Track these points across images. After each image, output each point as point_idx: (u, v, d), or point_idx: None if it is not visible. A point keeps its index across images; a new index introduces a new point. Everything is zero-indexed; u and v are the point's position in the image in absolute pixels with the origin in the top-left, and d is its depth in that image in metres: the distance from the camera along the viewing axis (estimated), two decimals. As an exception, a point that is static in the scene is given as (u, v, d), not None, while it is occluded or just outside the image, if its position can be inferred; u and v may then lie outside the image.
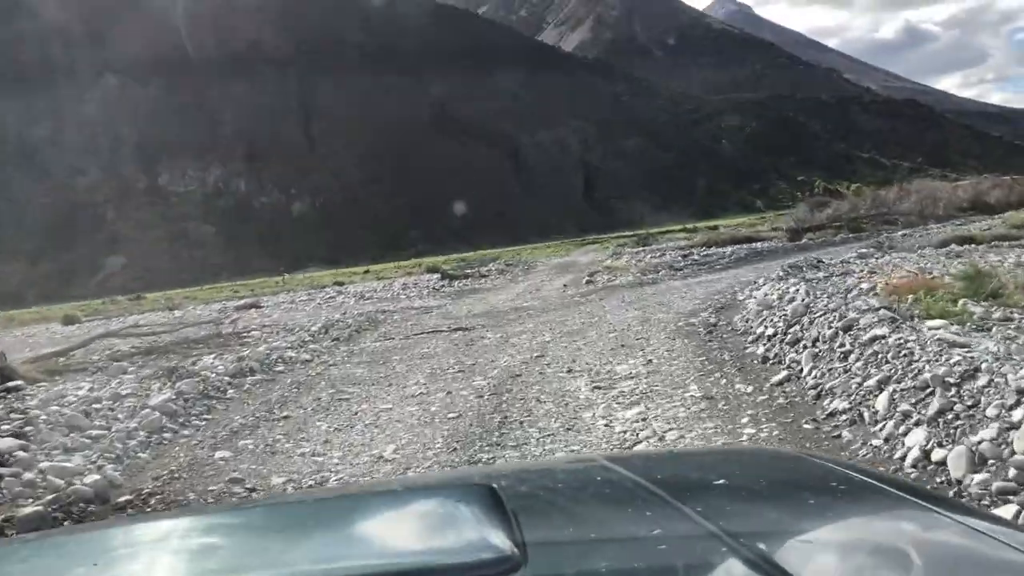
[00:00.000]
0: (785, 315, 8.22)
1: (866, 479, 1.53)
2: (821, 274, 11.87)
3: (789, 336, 7.50)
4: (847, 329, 6.64)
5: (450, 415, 6.66)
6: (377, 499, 1.64)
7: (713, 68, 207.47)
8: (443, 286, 24.82)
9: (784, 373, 6.68)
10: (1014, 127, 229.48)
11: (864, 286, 8.89)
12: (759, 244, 27.05)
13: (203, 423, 7.37)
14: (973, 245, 14.84)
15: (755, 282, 12.51)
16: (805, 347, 6.99)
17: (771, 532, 1.19)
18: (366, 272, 45.84)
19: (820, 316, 7.48)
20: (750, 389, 6.46)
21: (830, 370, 6.17)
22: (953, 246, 14.93)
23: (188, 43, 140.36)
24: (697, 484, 1.57)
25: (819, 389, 5.98)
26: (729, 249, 24.66)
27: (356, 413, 7.15)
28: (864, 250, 17.05)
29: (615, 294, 15.26)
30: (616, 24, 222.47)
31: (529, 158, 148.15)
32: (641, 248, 34.27)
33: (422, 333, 11.95)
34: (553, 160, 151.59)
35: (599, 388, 7.00)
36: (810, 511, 1.37)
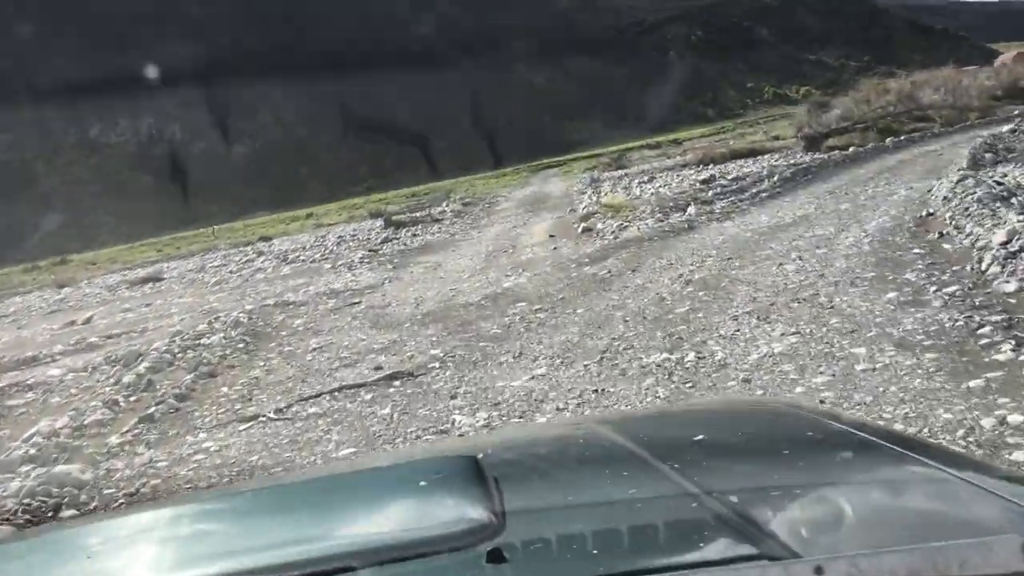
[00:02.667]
0: None
1: (862, 435, 1.49)
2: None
3: None
4: None
5: None
6: (360, 477, 1.66)
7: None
8: (386, 238, 18.82)
9: None
10: (956, 18, 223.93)
11: None
12: (775, 159, 21.28)
13: None
14: None
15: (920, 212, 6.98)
16: None
17: (746, 488, 1.17)
18: (308, 216, 41.55)
19: None
20: None
21: None
22: None
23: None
24: (680, 443, 1.51)
25: None
26: (752, 168, 18.86)
27: None
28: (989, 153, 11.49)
29: (648, 255, 9.44)
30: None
31: (473, 82, 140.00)
32: (620, 173, 28.34)
33: (321, 395, 5.77)
34: (499, 82, 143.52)
35: None
36: (791, 466, 1.35)
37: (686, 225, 11.31)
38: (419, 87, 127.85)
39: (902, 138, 18.51)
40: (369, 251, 16.11)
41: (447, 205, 27.29)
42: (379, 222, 23.57)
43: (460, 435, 4.56)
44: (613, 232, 11.78)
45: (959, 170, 11.17)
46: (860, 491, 1.20)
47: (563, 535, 1.06)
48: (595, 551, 1.02)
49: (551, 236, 13.34)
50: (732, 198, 13.29)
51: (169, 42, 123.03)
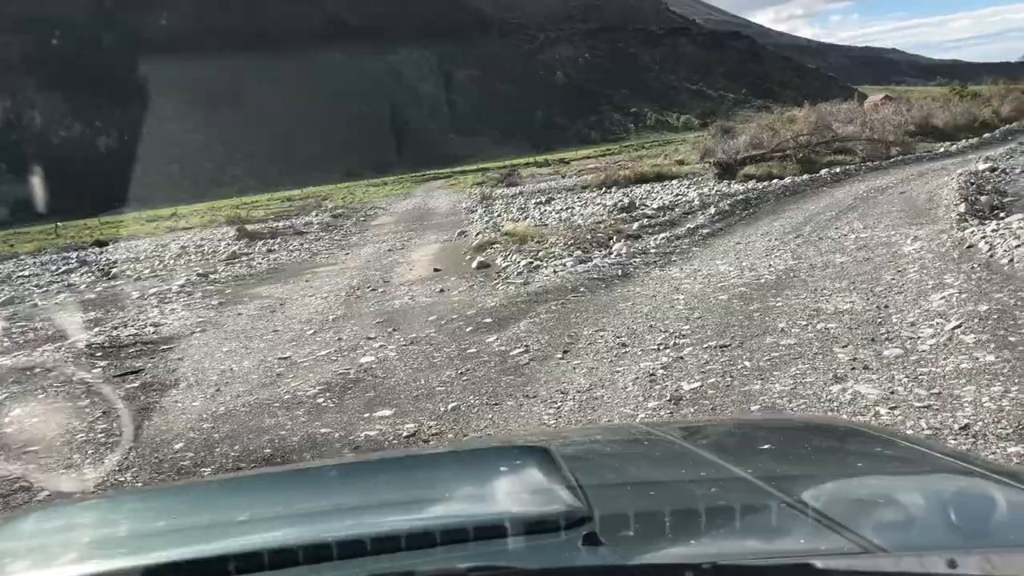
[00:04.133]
0: None
1: (919, 448, 1.54)
2: None
3: None
4: None
5: None
6: (439, 460, 1.63)
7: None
8: (234, 254, 15.12)
9: None
10: (824, 59, 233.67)
11: None
12: (688, 186, 18.69)
13: None
14: None
15: None
16: None
17: (823, 491, 1.19)
18: (172, 215, 38.63)
19: None
20: None
21: None
22: None
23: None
24: (747, 450, 1.53)
25: None
26: (666, 194, 16.07)
27: None
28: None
29: (580, 320, 6.20)
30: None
31: (359, 88, 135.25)
32: (514, 191, 25.30)
33: None
34: (387, 92, 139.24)
35: None
36: (863, 473, 1.37)
37: (619, 271, 8.19)
38: (301, 82, 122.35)
39: (838, 170, 16.10)
40: (200, 274, 12.37)
41: (316, 215, 23.54)
42: (233, 231, 19.69)
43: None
44: (521, 274, 8.55)
45: (965, 215, 8.53)
46: (934, 497, 1.22)
47: (649, 523, 1.05)
48: (684, 538, 1.03)
49: (436, 270, 10.03)
50: (665, 234, 10.31)
51: (30, 27, 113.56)
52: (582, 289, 7.52)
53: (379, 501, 1.25)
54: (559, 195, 21.78)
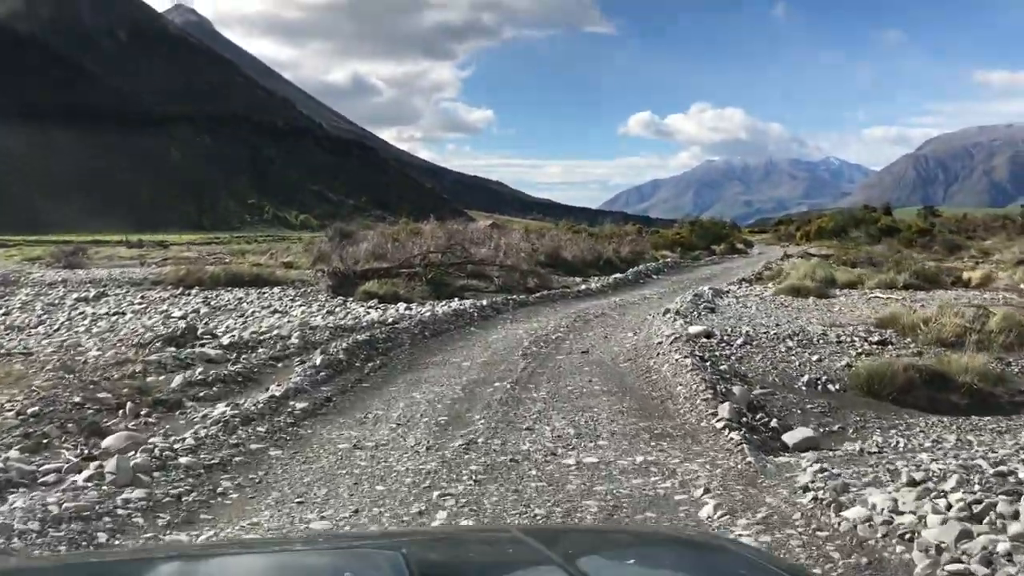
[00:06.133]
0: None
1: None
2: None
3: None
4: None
5: None
6: (290, 553, 1.54)
7: (168, 74, 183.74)
8: None
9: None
10: (439, 181, 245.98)
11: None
12: (290, 296, 14.01)
13: None
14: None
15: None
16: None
17: None
18: None
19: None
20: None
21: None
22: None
23: None
24: (608, 564, 1.51)
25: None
26: (267, 314, 11.07)
27: None
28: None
29: None
30: (58, 1, 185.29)
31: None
32: (62, 276, 18.63)
33: None
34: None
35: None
36: None
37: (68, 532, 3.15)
38: None
39: (485, 303, 12.30)
40: None
41: None
42: None
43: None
44: None
45: (733, 427, 4.83)
46: None
47: None
48: None
49: None
50: (228, 406, 5.43)
51: None
52: None
53: None
54: (121, 289, 15.88)
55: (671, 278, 19.93)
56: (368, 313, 11.22)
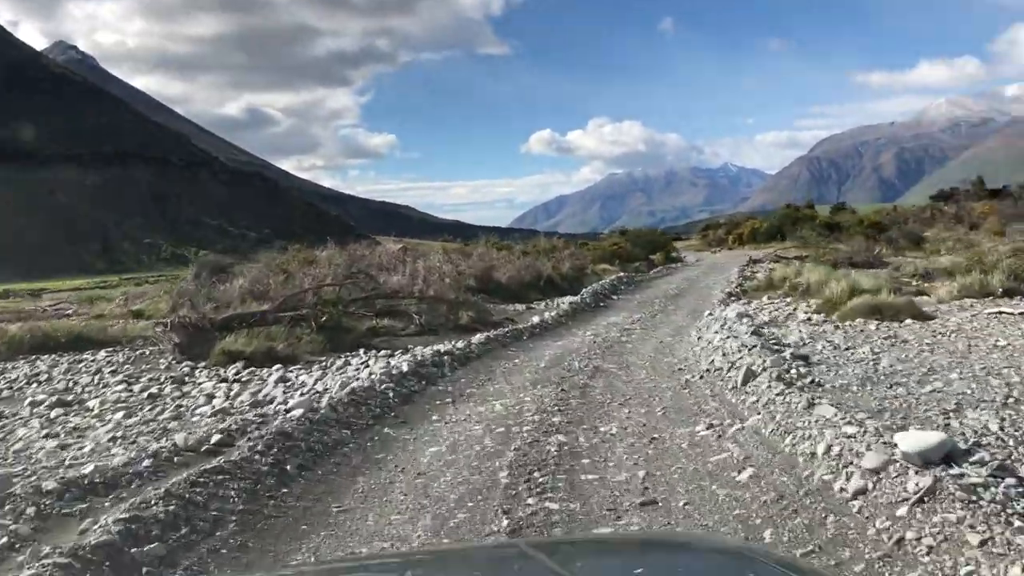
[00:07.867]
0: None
1: None
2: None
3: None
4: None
5: None
6: None
7: (51, 114, 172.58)
8: None
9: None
10: (344, 208, 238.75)
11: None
12: (136, 369, 9.37)
13: None
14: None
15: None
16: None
17: None
18: None
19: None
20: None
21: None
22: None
23: None
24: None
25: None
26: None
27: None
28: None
29: None
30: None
31: None
32: None
33: None
34: None
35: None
36: None
37: None
38: None
39: (405, 368, 7.93)
40: None
41: None
42: None
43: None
44: None
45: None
46: None
47: None
48: None
49: None
50: None
51: None
52: None
53: None
54: None
55: (635, 297, 15.91)
56: (212, 400, 6.67)
